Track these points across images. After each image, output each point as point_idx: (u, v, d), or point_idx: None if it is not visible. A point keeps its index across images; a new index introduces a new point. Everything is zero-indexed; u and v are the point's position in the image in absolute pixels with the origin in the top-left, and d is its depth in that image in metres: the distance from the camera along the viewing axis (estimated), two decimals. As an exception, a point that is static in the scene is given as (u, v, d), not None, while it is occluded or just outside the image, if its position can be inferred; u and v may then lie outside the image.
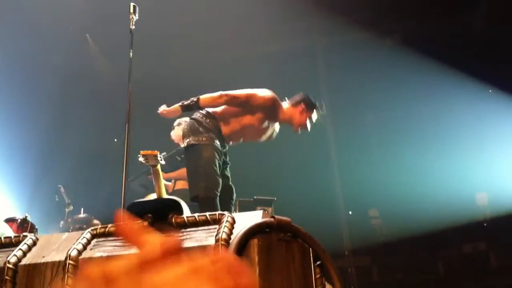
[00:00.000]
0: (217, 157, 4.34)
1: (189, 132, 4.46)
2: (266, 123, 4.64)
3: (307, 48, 8.54)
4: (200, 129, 4.43)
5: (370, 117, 8.49)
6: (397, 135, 7.88)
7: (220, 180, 4.27)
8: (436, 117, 8.06)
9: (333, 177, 8.03)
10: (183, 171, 5.81)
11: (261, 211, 1.91)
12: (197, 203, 4.12)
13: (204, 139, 4.37)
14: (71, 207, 6.14)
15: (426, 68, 7.70)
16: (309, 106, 4.79)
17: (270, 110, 4.59)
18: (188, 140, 4.42)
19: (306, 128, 4.80)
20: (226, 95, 4.53)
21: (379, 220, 8.09)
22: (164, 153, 5.66)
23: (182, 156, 5.47)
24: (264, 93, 4.58)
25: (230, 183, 4.57)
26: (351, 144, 8.06)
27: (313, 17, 8.11)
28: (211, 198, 4.10)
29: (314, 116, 4.87)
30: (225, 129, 4.54)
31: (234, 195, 4.54)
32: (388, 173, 7.60)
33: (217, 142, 4.41)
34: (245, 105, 4.53)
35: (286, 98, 4.85)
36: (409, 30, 8.21)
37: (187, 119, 6.27)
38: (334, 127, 8.09)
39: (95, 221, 5.83)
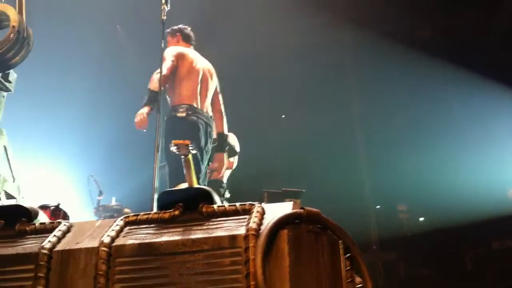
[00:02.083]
0: None
1: None
2: None
3: (337, 43, 8.48)
4: None
5: (401, 112, 8.41)
6: (427, 130, 7.80)
7: None
8: (468, 111, 7.94)
9: (362, 171, 8.00)
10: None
11: (291, 202, 1.91)
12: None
13: None
14: (103, 196, 6.25)
15: (457, 64, 7.60)
16: (186, 37, 5.08)
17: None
18: None
19: None
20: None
21: (407, 214, 8.03)
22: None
23: (228, 149, 5.61)
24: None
25: None
26: (380, 139, 8.01)
27: (343, 12, 8.06)
28: None
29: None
30: None
31: None
32: (417, 168, 7.53)
33: None
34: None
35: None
36: (442, 27, 8.09)
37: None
38: (363, 121, 8.04)
39: (126, 210, 5.94)
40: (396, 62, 7.75)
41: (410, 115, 8.26)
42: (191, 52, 5.00)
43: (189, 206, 1.94)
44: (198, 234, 1.80)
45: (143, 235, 1.86)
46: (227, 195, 6.05)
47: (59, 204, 4.72)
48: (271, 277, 1.63)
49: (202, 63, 4.99)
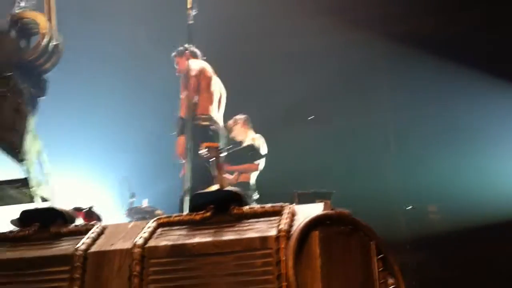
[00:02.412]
0: None
1: None
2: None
3: (366, 42, 8.42)
4: None
5: (432, 111, 8.29)
6: (458, 129, 7.69)
7: None
8: (501, 109, 7.81)
9: (392, 172, 7.92)
10: (249, 166, 6.07)
11: (322, 203, 1.91)
12: None
13: None
14: (135, 198, 6.32)
15: (489, 62, 7.49)
16: (193, 54, 5.34)
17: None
18: None
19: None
20: None
21: (438, 215, 7.93)
22: (231, 146, 5.85)
23: (253, 151, 5.71)
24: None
25: None
26: (410, 139, 7.93)
27: (372, 9, 8.02)
28: None
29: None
30: None
31: None
32: (448, 167, 7.44)
33: None
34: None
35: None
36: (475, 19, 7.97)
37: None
38: (393, 121, 7.98)
39: (158, 212, 6.00)
40: (429, 60, 7.67)
41: (442, 114, 8.15)
42: (209, 67, 5.18)
43: (220, 207, 1.96)
44: (229, 235, 1.82)
45: (176, 237, 1.88)
46: (256, 196, 6.10)
47: (92, 206, 4.80)
48: (302, 278, 1.63)
49: (218, 80, 5.35)
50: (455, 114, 7.90)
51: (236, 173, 6.15)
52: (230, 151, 5.75)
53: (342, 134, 7.72)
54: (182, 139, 4.71)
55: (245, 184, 6.07)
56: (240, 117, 6.61)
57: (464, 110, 7.82)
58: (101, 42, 8.22)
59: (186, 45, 5.37)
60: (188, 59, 5.23)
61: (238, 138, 6.50)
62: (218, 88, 5.28)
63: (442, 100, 7.86)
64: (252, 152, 5.91)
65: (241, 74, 8.14)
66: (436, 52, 7.69)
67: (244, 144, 6.19)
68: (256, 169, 6.23)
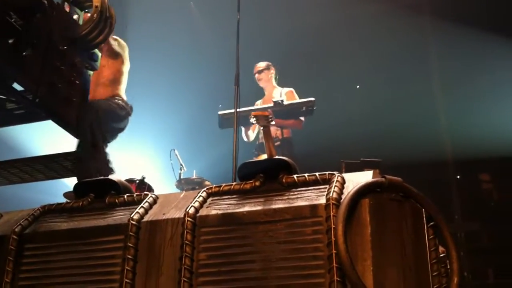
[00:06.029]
0: None
1: None
2: None
3: (413, 8, 8.18)
4: None
5: (483, 78, 8.01)
6: (508, 101, 7.43)
7: None
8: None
9: (442, 139, 7.74)
10: (294, 122, 5.83)
11: (371, 171, 1.89)
12: None
13: None
14: (185, 169, 6.40)
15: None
16: None
17: None
18: None
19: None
20: None
21: (490, 184, 7.73)
22: (280, 100, 5.65)
23: (310, 108, 5.50)
24: None
25: None
26: (461, 106, 7.70)
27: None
28: None
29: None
30: None
31: None
32: (501, 134, 7.21)
33: None
34: None
35: None
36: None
37: None
38: (443, 88, 7.78)
39: (207, 182, 6.05)
40: (478, 22, 7.39)
41: (495, 80, 7.85)
42: None
43: (270, 176, 1.96)
44: (279, 204, 1.83)
45: (226, 206, 1.91)
46: None
47: (144, 178, 4.91)
48: (353, 245, 1.63)
49: None
50: (507, 84, 7.60)
51: (277, 129, 5.84)
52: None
53: (389, 103, 7.56)
54: None
55: (289, 140, 5.84)
56: (271, 65, 6.32)
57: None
58: (148, 16, 8.28)
59: None
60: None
61: (262, 84, 6.25)
62: None
63: (491, 68, 7.56)
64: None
65: (287, 42, 8.06)
66: (486, 10, 7.41)
67: (278, 99, 5.82)
68: (300, 127, 5.94)
